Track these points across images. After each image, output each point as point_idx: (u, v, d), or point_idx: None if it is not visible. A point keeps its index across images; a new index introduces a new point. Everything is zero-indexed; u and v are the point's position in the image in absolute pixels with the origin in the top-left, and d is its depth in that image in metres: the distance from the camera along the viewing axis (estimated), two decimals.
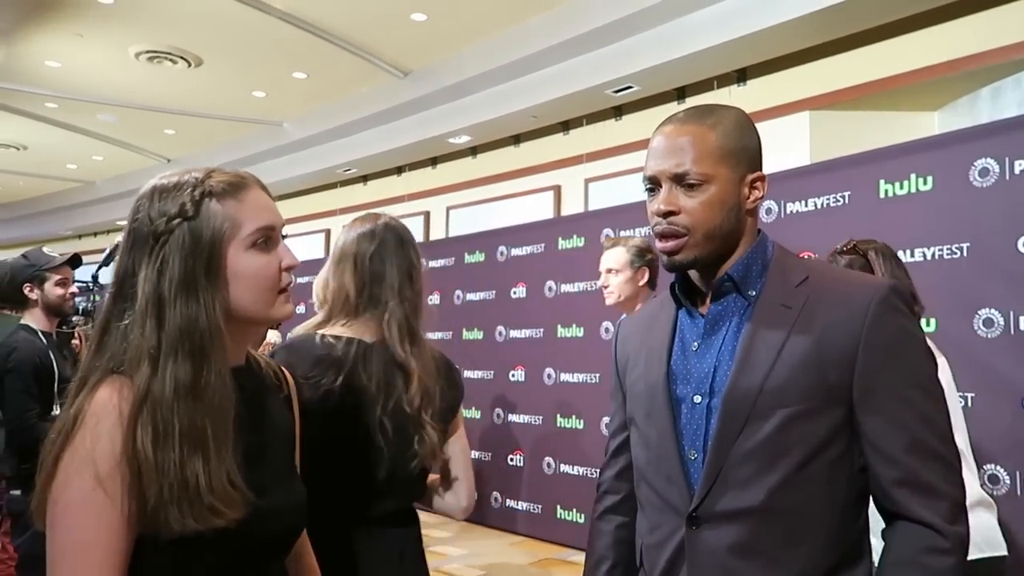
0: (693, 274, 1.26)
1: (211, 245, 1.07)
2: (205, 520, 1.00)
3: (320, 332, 1.61)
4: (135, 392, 1.01)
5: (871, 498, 1.19)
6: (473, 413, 6.44)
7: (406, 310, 1.63)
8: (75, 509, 0.98)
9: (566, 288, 5.90)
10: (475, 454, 6.35)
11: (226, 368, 1.08)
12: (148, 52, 7.72)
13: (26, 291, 3.13)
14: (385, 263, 1.64)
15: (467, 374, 6.58)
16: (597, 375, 5.47)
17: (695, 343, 1.24)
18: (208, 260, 1.07)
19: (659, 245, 1.22)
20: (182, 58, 7.83)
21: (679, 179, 1.18)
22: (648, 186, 1.23)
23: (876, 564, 1.17)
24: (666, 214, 1.19)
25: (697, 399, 1.20)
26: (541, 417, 6.01)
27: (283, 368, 1.33)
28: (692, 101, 6.67)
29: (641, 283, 3.28)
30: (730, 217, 1.19)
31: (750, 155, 1.21)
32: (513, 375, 6.15)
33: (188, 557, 1.03)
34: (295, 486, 1.22)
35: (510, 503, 6.19)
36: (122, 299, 1.08)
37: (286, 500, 1.17)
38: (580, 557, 2.14)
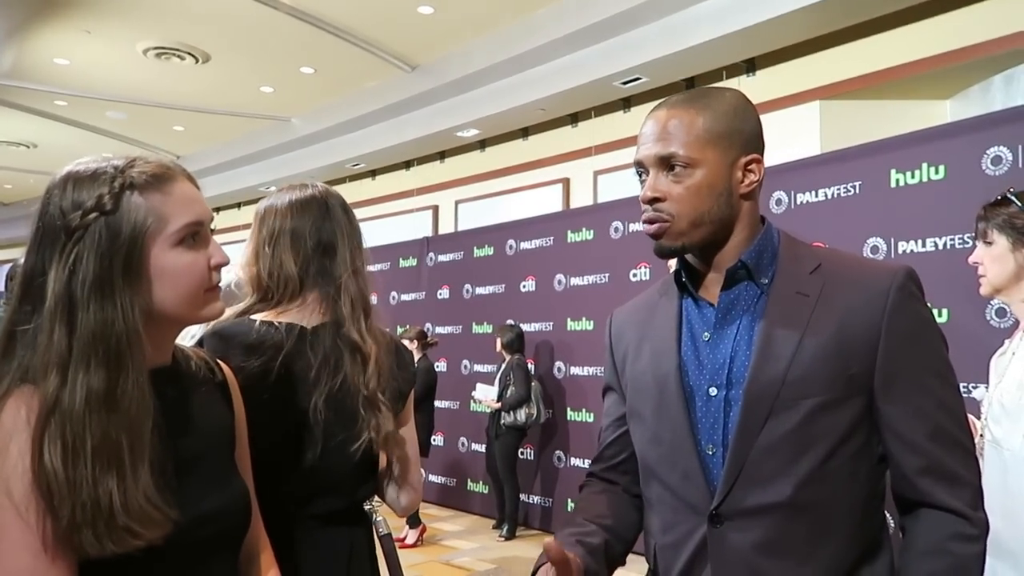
0: (695, 262, 1.22)
1: (131, 242, 0.98)
2: (123, 543, 0.92)
3: (252, 317, 1.46)
4: (42, 403, 0.92)
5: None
6: (484, 408, 6.44)
7: (360, 284, 1.50)
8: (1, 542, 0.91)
9: (576, 281, 5.89)
10: (485, 448, 6.35)
11: (144, 374, 0.99)
12: (156, 48, 7.73)
13: None
14: (336, 234, 1.50)
15: (477, 367, 6.59)
16: None
17: (706, 333, 1.19)
18: (126, 258, 0.98)
19: (645, 230, 1.19)
20: (190, 54, 7.84)
21: (664, 164, 1.15)
22: (638, 171, 1.20)
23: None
24: (652, 200, 1.16)
25: (713, 391, 1.15)
26: (551, 410, 6.01)
27: (216, 358, 1.25)
28: None
29: None
30: (720, 202, 1.15)
31: (744, 138, 1.16)
32: None
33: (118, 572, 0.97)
34: (234, 485, 1.15)
35: (520, 496, 6.19)
36: (28, 300, 0.98)
37: (222, 503, 1.10)
38: None
